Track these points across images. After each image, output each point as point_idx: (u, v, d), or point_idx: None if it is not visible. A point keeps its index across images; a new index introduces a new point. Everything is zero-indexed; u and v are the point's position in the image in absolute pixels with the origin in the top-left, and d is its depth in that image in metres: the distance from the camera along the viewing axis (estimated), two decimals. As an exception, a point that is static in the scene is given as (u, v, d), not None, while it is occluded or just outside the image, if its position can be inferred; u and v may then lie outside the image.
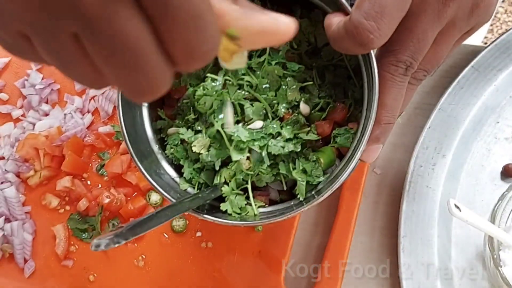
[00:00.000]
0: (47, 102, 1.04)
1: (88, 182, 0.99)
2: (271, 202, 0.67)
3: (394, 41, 0.55)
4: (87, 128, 1.01)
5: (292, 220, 0.90)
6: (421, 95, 0.95)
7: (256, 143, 0.62)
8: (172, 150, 0.68)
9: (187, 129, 0.67)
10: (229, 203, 0.64)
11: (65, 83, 1.04)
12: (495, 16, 2.64)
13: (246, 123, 0.64)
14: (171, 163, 0.70)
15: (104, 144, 1.00)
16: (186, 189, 0.67)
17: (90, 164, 0.99)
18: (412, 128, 0.95)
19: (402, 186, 0.90)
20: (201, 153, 0.64)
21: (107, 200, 0.94)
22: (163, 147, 0.70)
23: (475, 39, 1.18)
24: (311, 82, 0.65)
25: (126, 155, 0.97)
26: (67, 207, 0.98)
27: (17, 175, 0.99)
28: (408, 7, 0.53)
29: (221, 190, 0.64)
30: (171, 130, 0.70)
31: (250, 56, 0.66)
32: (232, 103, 0.64)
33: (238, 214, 0.64)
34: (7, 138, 1.02)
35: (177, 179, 0.69)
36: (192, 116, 0.68)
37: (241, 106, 0.64)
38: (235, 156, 0.63)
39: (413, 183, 0.89)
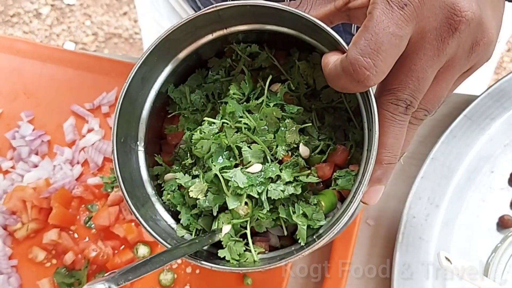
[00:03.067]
0: (37, 154, 1.03)
1: (76, 235, 0.97)
2: (271, 249, 0.65)
3: (393, 80, 0.55)
4: (76, 179, 1.00)
5: (282, 277, 0.88)
6: (414, 144, 0.95)
7: (254, 188, 0.61)
8: (169, 196, 0.67)
9: (184, 174, 0.66)
10: (228, 249, 0.63)
11: (56, 134, 1.04)
12: (500, 65, 2.65)
13: (244, 167, 0.63)
14: (167, 209, 0.68)
15: (92, 196, 0.98)
16: (183, 236, 0.66)
17: (78, 216, 0.98)
18: (405, 178, 0.94)
19: (395, 237, 0.89)
20: (198, 199, 0.63)
21: (93, 254, 0.93)
22: (159, 193, 0.68)
23: (479, 87, 1.19)
24: (310, 124, 0.65)
25: (113, 207, 0.96)
26: (54, 261, 0.96)
27: (4, 227, 0.97)
28: (405, 45, 0.53)
29: (219, 236, 0.63)
30: (168, 176, 0.68)
31: (248, 99, 0.66)
32: (230, 146, 0.63)
33: (237, 260, 0.63)
34: (-4, 190, 1.00)
35: (174, 226, 0.67)
36: (189, 160, 0.67)
37: (239, 149, 0.63)
38: (232, 204, 0.61)
39: (406, 234, 0.88)
